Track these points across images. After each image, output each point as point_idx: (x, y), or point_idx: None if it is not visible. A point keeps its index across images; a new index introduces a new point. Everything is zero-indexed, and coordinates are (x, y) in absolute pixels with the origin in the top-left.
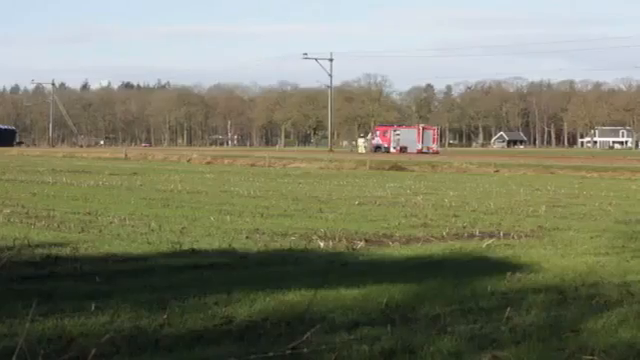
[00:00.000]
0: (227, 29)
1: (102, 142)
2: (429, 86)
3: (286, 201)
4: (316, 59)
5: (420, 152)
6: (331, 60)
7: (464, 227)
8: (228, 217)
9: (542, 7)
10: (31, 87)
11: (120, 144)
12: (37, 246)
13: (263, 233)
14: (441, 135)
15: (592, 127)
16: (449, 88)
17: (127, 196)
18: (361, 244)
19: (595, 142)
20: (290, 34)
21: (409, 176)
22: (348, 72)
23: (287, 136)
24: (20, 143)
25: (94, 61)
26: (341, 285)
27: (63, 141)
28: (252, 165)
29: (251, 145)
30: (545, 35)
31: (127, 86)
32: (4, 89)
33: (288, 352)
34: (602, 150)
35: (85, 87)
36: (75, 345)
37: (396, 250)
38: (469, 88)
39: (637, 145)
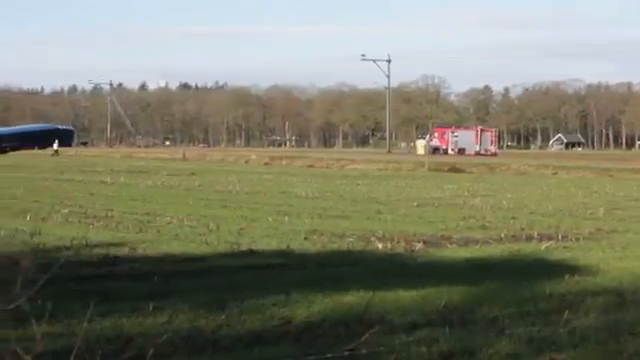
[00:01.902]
0: (285, 30)
1: (168, 142)
2: (487, 87)
3: (344, 202)
4: (374, 60)
5: (478, 154)
6: (389, 61)
7: (522, 229)
8: (286, 218)
9: (599, 8)
10: (89, 87)
11: (179, 144)
12: (95, 246)
13: (321, 234)
14: (499, 137)
15: None
16: (507, 90)
17: (185, 197)
18: (419, 246)
19: None
20: (347, 35)
21: (467, 178)
22: (406, 73)
23: (345, 137)
24: (84, 143)
25: (152, 61)
26: (399, 287)
27: (121, 141)
28: (310, 166)
29: (309, 146)
30: (601, 37)
31: (185, 87)
32: (62, 90)
33: (346, 353)
34: None
35: (143, 87)
36: (133, 345)
37: (454, 252)
38: (527, 90)
39: None
